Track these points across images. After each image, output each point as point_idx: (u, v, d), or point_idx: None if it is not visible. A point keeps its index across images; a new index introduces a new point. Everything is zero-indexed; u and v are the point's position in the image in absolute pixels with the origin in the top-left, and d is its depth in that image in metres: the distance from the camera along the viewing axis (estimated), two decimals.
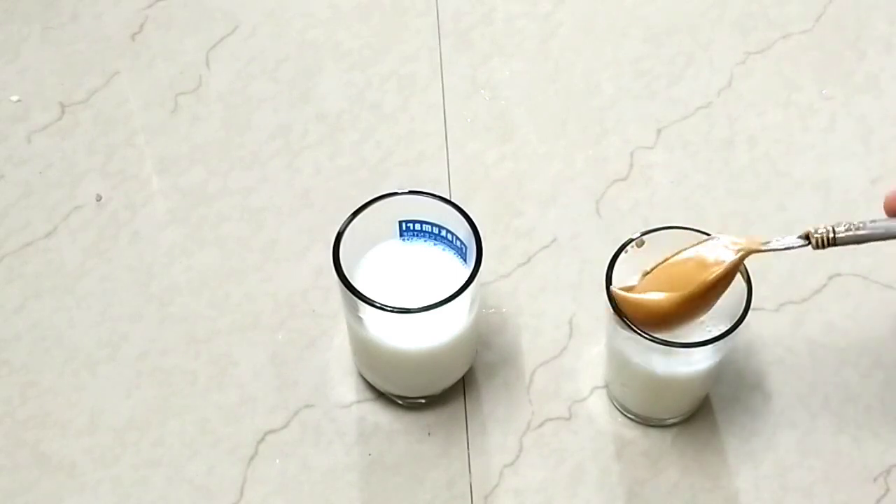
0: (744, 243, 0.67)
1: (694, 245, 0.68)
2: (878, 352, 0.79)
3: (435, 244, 0.75)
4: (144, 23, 0.95)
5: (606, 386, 0.77)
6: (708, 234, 0.70)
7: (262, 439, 0.76)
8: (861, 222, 0.66)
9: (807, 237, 0.66)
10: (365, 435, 0.76)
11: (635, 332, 0.68)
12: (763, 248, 0.67)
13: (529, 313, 0.81)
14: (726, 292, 0.68)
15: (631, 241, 0.71)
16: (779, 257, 0.82)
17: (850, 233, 0.65)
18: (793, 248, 0.67)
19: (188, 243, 0.84)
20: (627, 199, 0.86)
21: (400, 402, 0.77)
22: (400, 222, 0.74)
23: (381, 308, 0.68)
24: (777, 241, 0.67)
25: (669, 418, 0.76)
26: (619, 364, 0.73)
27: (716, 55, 0.93)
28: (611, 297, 0.69)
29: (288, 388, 0.78)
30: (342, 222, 0.71)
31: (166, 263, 0.83)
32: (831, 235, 0.65)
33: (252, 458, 0.75)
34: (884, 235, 0.66)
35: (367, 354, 0.75)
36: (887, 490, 0.74)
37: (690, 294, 0.67)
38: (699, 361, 0.70)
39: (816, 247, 0.66)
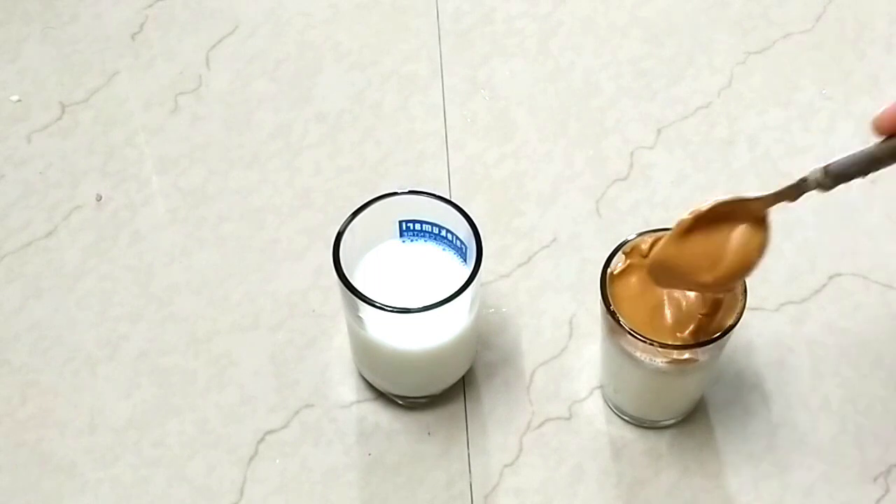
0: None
1: None
2: (878, 352, 0.79)
3: (435, 244, 0.75)
4: (144, 23, 0.95)
5: (601, 387, 0.77)
6: None
7: (262, 439, 0.76)
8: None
9: (804, 180, 0.61)
10: (365, 435, 0.76)
11: (629, 332, 0.67)
12: (753, 195, 0.63)
13: (529, 313, 0.81)
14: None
15: (627, 241, 0.71)
16: (779, 257, 0.82)
17: (843, 162, 0.60)
18: (785, 194, 0.62)
19: (188, 243, 0.84)
20: (627, 199, 0.86)
21: (400, 402, 0.77)
22: (400, 222, 0.74)
23: (381, 308, 0.68)
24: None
25: (664, 420, 0.76)
26: (614, 364, 0.73)
27: (716, 55, 0.93)
28: (605, 297, 0.69)
29: (288, 388, 0.78)
30: (342, 222, 0.71)
31: (166, 263, 0.83)
32: (823, 173, 0.60)
33: (252, 458, 0.76)
34: (873, 158, 0.59)
35: (367, 354, 0.75)
36: (887, 490, 0.74)
37: (674, 233, 0.65)
38: (694, 362, 0.70)
39: (818, 187, 0.61)
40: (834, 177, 0.60)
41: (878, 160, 0.59)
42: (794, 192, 0.62)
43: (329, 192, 0.86)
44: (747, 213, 0.65)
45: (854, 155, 0.59)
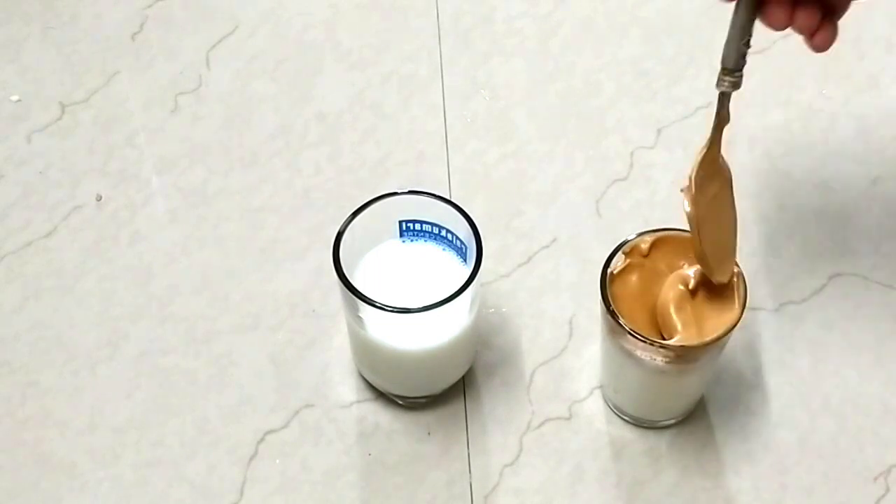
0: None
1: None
2: (878, 352, 0.79)
3: (435, 244, 0.75)
4: (144, 23, 0.95)
5: (601, 387, 0.77)
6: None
7: (262, 439, 0.76)
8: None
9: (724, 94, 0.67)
10: (365, 435, 0.76)
11: (629, 332, 0.67)
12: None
13: (529, 313, 0.81)
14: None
15: (627, 241, 0.71)
16: (779, 257, 0.82)
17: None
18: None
19: (188, 243, 0.84)
20: (627, 199, 0.86)
21: (400, 402, 0.77)
22: (400, 222, 0.74)
23: (381, 308, 0.68)
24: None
25: (664, 420, 0.76)
26: (614, 364, 0.73)
27: (716, 55, 0.93)
28: (605, 297, 0.69)
29: (288, 388, 0.78)
30: (342, 222, 0.71)
31: (166, 263, 0.83)
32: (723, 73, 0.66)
33: (252, 458, 0.76)
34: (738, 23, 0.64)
35: (367, 354, 0.75)
36: (887, 490, 0.74)
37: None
38: (693, 362, 0.70)
39: (734, 87, 0.67)
40: (730, 69, 0.66)
41: (743, 25, 0.64)
42: (723, 111, 0.67)
43: (329, 192, 0.86)
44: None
45: (727, 37, 0.65)
